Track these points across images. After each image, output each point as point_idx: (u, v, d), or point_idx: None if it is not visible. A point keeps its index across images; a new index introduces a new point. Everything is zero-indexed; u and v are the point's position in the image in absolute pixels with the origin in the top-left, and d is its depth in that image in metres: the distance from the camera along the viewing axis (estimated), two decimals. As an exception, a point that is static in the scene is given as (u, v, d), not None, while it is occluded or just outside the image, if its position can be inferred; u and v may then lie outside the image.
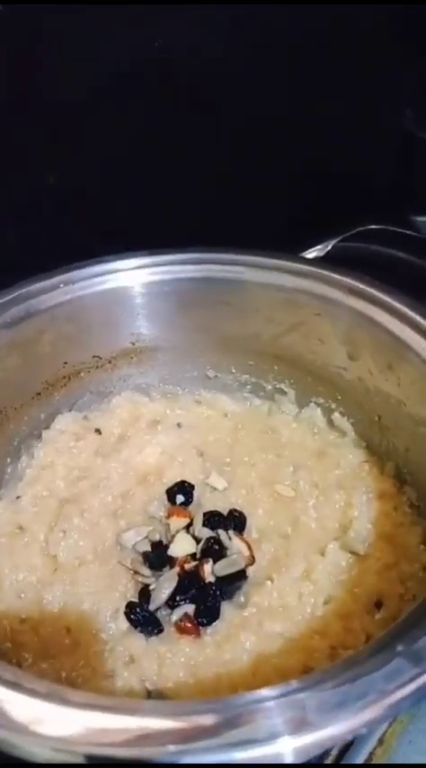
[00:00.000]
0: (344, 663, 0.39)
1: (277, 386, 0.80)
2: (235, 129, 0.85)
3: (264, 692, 0.38)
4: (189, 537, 0.66)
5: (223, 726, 0.36)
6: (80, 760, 0.35)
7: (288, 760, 0.34)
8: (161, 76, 0.83)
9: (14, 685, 0.39)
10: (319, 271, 0.71)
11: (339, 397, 0.75)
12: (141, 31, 0.81)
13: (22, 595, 0.63)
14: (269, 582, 0.62)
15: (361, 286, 0.68)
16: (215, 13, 0.78)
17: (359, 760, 0.61)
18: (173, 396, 0.83)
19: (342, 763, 0.59)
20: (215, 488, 0.71)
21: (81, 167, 0.86)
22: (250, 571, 0.63)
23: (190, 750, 0.35)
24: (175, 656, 0.57)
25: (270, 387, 0.81)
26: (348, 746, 0.62)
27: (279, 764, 0.35)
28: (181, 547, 0.65)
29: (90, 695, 0.39)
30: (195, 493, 0.71)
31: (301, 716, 0.36)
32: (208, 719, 0.36)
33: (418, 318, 0.64)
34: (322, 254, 0.77)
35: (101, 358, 0.78)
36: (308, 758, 0.36)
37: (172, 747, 0.35)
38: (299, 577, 0.62)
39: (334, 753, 0.62)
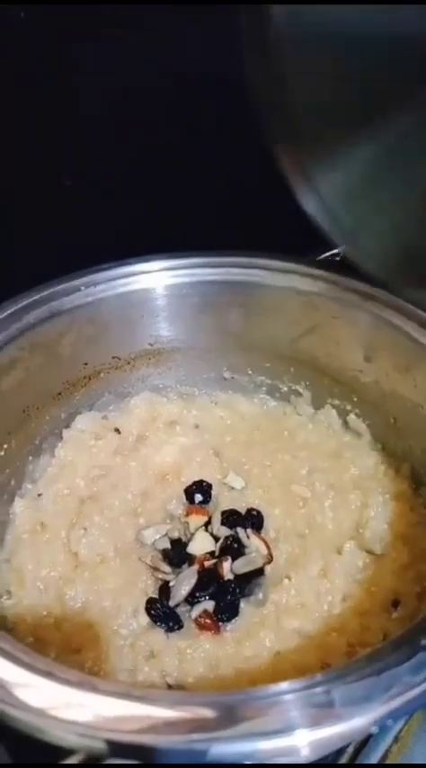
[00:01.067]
0: (365, 658, 0.40)
1: (293, 387, 0.81)
2: (247, 134, 0.85)
3: (286, 685, 0.39)
4: (207, 535, 0.67)
5: (243, 717, 0.37)
6: (102, 745, 0.36)
7: (306, 752, 0.35)
8: (176, 86, 0.85)
9: (45, 672, 0.40)
10: (336, 275, 0.72)
11: (355, 399, 0.76)
12: (155, 46, 0.82)
13: (45, 591, 0.64)
14: (287, 580, 0.63)
15: (378, 289, 0.69)
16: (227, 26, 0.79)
17: (375, 758, 0.62)
18: (190, 397, 0.84)
19: (358, 762, 0.60)
20: (232, 488, 0.72)
21: (97, 170, 0.87)
22: (268, 569, 0.64)
23: (210, 739, 0.36)
24: (195, 652, 0.58)
25: (286, 388, 0.82)
26: (363, 744, 0.63)
27: (300, 764, 0.36)
28: (201, 545, 0.66)
29: (117, 684, 0.40)
30: (213, 492, 0.72)
31: (326, 708, 0.37)
32: (228, 711, 0.37)
33: (435, 322, 0.65)
34: (337, 258, 0.78)
35: (120, 359, 0.79)
36: (330, 750, 0.36)
37: (193, 736, 0.36)
38: (316, 576, 0.63)
39: (350, 750, 0.63)
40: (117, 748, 0.37)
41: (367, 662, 0.39)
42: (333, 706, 0.36)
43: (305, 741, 0.36)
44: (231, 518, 0.68)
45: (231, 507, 0.69)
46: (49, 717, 0.38)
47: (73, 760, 0.37)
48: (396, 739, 0.63)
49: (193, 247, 0.77)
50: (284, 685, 0.39)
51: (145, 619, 0.61)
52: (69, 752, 0.37)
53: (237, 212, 0.82)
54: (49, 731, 0.38)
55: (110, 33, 0.81)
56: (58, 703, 0.39)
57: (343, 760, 0.61)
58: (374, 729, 0.36)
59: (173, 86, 0.84)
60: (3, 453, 0.69)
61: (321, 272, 0.73)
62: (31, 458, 0.74)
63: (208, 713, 0.38)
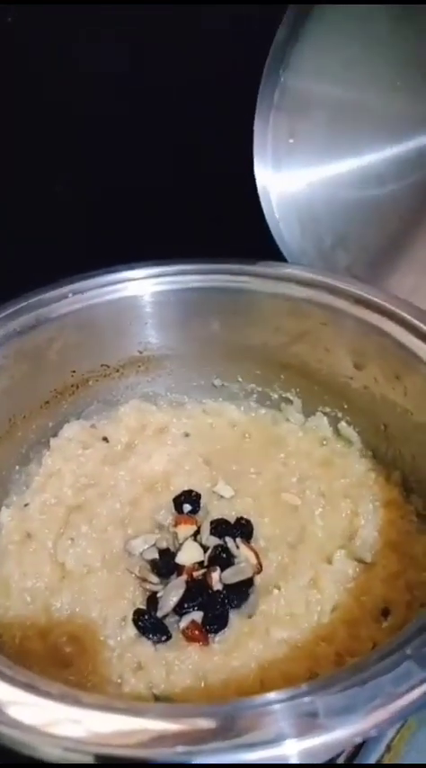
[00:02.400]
0: (352, 667, 0.40)
1: (283, 395, 0.81)
2: (240, 139, 0.86)
3: (272, 695, 0.38)
4: (196, 545, 0.66)
5: (231, 728, 0.36)
6: (90, 760, 0.36)
7: (294, 761, 0.35)
8: (165, 88, 0.85)
9: (27, 686, 0.39)
10: (325, 280, 0.72)
11: (345, 407, 0.76)
12: (144, 45, 0.82)
13: (31, 602, 0.63)
14: (276, 590, 0.62)
15: (367, 295, 0.69)
16: (217, 24, 0.79)
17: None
18: (179, 404, 0.83)
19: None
20: (222, 496, 0.72)
21: (87, 177, 0.87)
22: (257, 579, 0.63)
23: (199, 751, 0.35)
24: (183, 663, 0.57)
25: (276, 396, 0.81)
26: (355, 754, 0.62)
27: (289, 765, 0.35)
28: (189, 555, 0.65)
29: (101, 697, 0.39)
30: (202, 501, 0.71)
31: (310, 719, 0.36)
32: (216, 722, 0.37)
33: (424, 328, 0.64)
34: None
35: (108, 366, 0.79)
36: (317, 761, 0.36)
37: (180, 748, 0.36)
38: (306, 585, 0.62)
39: (342, 761, 0.62)
40: (104, 762, 0.36)
41: (352, 672, 0.38)
42: (317, 716, 0.35)
43: (294, 751, 0.35)
44: (220, 527, 0.67)
45: (220, 516, 0.69)
46: (35, 732, 0.37)
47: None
48: (389, 748, 0.62)
49: (180, 254, 0.77)
50: (270, 696, 0.38)
51: (132, 630, 0.60)
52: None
53: (226, 219, 0.81)
54: (36, 747, 0.37)
55: (110, 35, 0.82)
56: (44, 718, 0.38)
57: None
58: (358, 740, 0.35)
59: (171, 88, 0.85)
60: (-11, 463, 0.68)
61: (309, 277, 0.73)
62: (17, 467, 0.73)
63: (195, 725, 0.37)
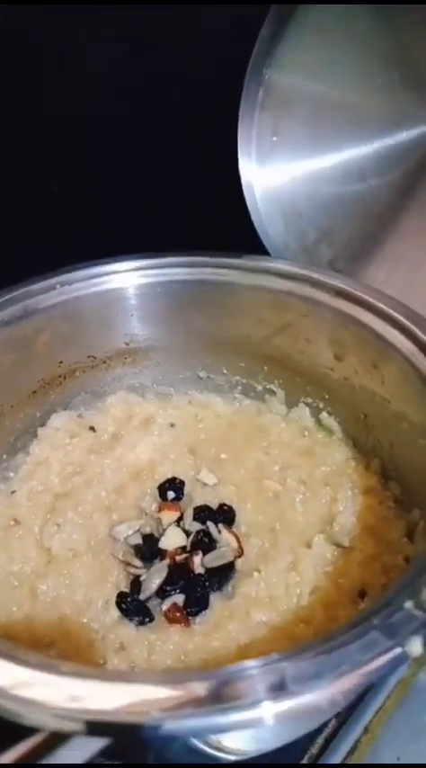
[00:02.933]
0: (322, 639, 0.41)
1: (267, 386, 0.82)
2: (230, 137, 0.87)
3: (248, 663, 0.39)
4: (179, 530, 0.68)
5: (209, 692, 0.37)
6: (78, 727, 0.37)
7: (269, 724, 0.36)
8: (161, 88, 0.86)
9: (11, 657, 0.40)
10: (306, 273, 0.74)
11: (326, 397, 0.78)
12: (144, 45, 0.83)
13: (17, 586, 0.64)
14: (256, 573, 0.63)
15: (347, 288, 0.71)
16: (217, 24, 0.81)
17: (345, 747, 0.63)
18: (165, 396, 0.85)
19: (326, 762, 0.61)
20: (205, 484, 0.73)
21: (86, 177, 0.88)
22: (238, 563, 0.65)
23: (179, 715, 0.37)
24: (165, 644, 0.59)
25: (260, 387, 0.83)
26: (334, 735, 0.64)
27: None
28: (172, 540, 0.67)
29: (82, 666, 0.41)
30: (186, 488, 0.73)
31: (281, 684, 0.37)
32: (195, 687, 0.38)
33: (401, 318, 0.66)
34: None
35: (95, 358, 0.80)
36: (297, 728, 0.37)
37: (157, 714, 0.37)
38: (286, 569, 0.64)
39: (320, 741, 0.64)
40: (90, 727, 0.37)
41: (321, 642, 0.40)
42: (285, 682, 0.37)
43: (269, 713, 0.36)
44: (203, 513, 0.69)
45: (203, 503, 0.70)
46: (22, 699, 0.39)
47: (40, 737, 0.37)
48: (366, 730, 0.64)
49: (164, 247, 0.78)
50: (244, 663, 0.40)
51: (115, 612, 0.62)
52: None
53: (209, 212, 0.83)
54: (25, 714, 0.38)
55: (110, 35, 0.83)
56: (30, 685, 0.39)
57: (314, 749, 0.62)
58: (325, 704, 0.36)
59: (169, 90, 0.86)
60: (-23, 451, 0.70)
61: (290, 269, 0.74)
62: (5, 455, 0.75)
63: (172, 691, 0.38)
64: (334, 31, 0.72)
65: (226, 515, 0.69)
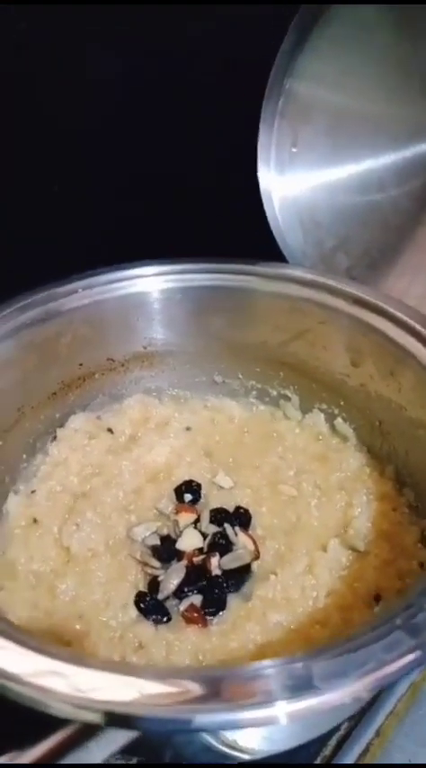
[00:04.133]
0: (345, 638, 0.42)
1: (282, 392, 0.83)
2: (243, 142, 0.88)
3: (273, 661, 0.40)
4: (196, 532, 0.69)
5: (238, 688, 0.38)
6: (97, 717, 0.38)
7: (296, 721, 0.37)
8: (161, 88, 0.87)
9: (37, 649, 0.41)
10: (323, 280, 0.75)
11: (342, 403, 0.78)
12: (144, 46, 0.84)
13: (36, 584, 0.65)
14: (273, 576, 0.64)
15: (364, 295, 0.72)
16: (217, 24, 0.82)
17: (358, 750, 0.64)
18: (181, 399, 0.86)
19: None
20: (221, 487, 0.74)
21: (86, 177, 0.89)
22: (255, 566, 0.66)
23: (209, 709, 0.38)
24: (182, 644, 0.59)
25: (275, 392, 0.84)
26: (346, 737, 0.65)
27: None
28: (189, 541, 0.68)
29: (106, 661, 0.42)
30: (202, 491, 0.73)
31: (307, 682, 0.38)
32: (225, 683, 0.39)
33: (418, 327, 0.67)
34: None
35: (114, 361, 0.81)
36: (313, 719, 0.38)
37: (174, 708, 0.38)
38: (302, 572, 0.64)
39: (333, 743, 0.65)
40: (111, 718, 0.38)
41: (345, 641, 0.41)
42: (312, 679, 0.38)
43: (283, 712, 0.37)
44: (219, 516, 0.70)
45: (220, 506, 0.71)
46: (47, 689, 0.39)
47: (69, 730, 0.38)
48: (378, 733, 0.65)
49: (186, 254, 0.79)
50: (266, 662, 0.41)
51: (134, 612, 0.62)
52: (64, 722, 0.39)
53: (229, 219, 0.84)
54: (48, 703, 0.39)
55: (110, 36, 0.84)
56: (54, 676, 0.40)
57: (327, 751, 0.63)
58: (348, 701, 0.37)
59: (171, 89, 0.87)
60: (-2, 451, 0.70)
61: (308, 277, 0.76)
62: (25, 456, 0.75)
63: (187, 686, 0.39)
64: (354, 42, 0.74)
65: (242, 518, 0.70)
